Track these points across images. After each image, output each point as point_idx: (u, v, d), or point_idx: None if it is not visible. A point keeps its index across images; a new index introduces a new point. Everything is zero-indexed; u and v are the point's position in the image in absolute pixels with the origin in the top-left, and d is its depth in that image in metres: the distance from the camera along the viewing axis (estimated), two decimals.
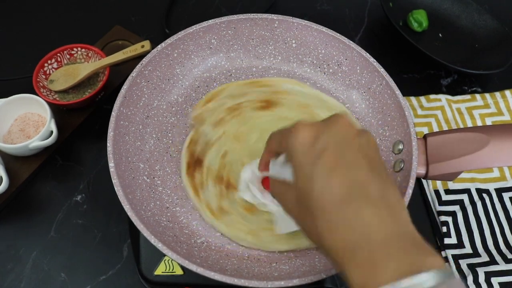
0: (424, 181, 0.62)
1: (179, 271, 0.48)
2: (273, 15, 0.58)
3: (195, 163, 0.51)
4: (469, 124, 0.66)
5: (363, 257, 0.28)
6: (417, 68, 0.74)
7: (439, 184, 0.61)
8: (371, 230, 0.29)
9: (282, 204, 0.37)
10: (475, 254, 0.56)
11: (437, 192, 0.60)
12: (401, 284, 0.26)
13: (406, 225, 0.30)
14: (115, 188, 0.44)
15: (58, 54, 0.64)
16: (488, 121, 0.67)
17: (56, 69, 0.65)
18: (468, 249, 0.56)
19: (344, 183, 0.30)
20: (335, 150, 0.32)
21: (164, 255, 0.47)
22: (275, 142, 0.39)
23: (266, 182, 0.46)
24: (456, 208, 0.59)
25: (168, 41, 0.55)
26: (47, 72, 0.64)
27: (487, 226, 0.58)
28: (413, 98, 0.69)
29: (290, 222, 0.38)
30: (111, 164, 0.45)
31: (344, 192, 0.30)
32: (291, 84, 0.58)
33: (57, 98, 0.63)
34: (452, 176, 0.47)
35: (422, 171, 0.47)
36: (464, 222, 0.58)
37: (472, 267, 0.54)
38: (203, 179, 0.50)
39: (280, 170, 0.39)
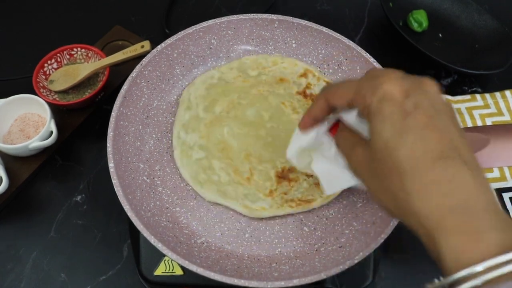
0: None
1: (179, 271, 0.48)
2: (273, 15, 0.58)
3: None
4: (469, 124, 0.66)
5: (460, 223, 0.25)
6: (417, 68, 0.74)
7: None
8: (471, 195, 0.26)
9: (349, 159, 0.34)
10: None
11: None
12: (506, 257, 0.23)
13: (492, 194, 0.27)
14: (115, 188, 0.44)
15: (58, 54, 0.64)
16: (488, 121, 0.67)
17: (56, 69, 0.65)
18: None
19: (439, 142, 0.28)
20: (429, 108, 0.29)
21: (164, 255, 0.47)
22: (344, 95, 0.33)
23: (333, 131, 0.39)
24: None
25: (168, 41, 0.55)
26: (47, 72, 0.64)
27: None
28: None
29: (337, 181, 0.37)
30: (111, 164, 0.45)
31: (441, 150, 0.27)
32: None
33: (57, 98, 0.63)
34: None
35: None
36: None
37: None
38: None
39: (354, 120, 0.35)
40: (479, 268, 0.24)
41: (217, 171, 0.50)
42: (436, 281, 0.26)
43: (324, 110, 0.36)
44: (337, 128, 0.38)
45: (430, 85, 0.31)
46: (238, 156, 0.51)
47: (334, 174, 0.40)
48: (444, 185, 0.27)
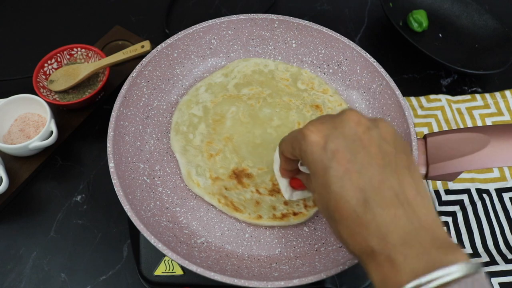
0: (424, 181, 0.62)
1: (179, 271, 0.48)
2: (273, 15, 0.58)
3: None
4: (469, 124, 0.66)
5: (381, 259, 0.29)
6: (417, 68, 0.74)
7: (439, 184, 0.61)
8: (387, 231, 0.29)
9: (315, 202, 0.38)
10: (475, 254, 0.56)
11: (437, 192, 0.60)
12: (420, 281, 0.26)
13: (425, 220, 0.29)
14: (115, 188, 0.44)
15: (58, 54, 0.64)
16: (488, 121, 0.67)
17: (56, 69, 0.65)
18: (468, 249, 0.56)
19: (358, 188, 0.30)
20: (346, 152, 0.31)
21: (164, 256, 0.47)
22: (288, 149, 0.37)
23: (294, 183, 0.44)
24: (456, 208, 0.59)
25: (168, 41, 0.55)
26: (47, 72, 0.64)
27: (487, 226, 0.58)
28: (413, 98, 0.69)
29: None
30: (111, 164, 0.45)
31: (358, 197, 0.30)
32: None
33: (57, 98, 0.63)
34: (452, 176, 0.47)
35: (422, 171, 0.47)
36: (464, 222, 0.58)
37: None
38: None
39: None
40: None
41: (196, 132, 0.52)
42: None
43: (289, 162, 0.40)
44: (295, 183, 0.43)
45: (348, 121, 0.32)
46: (221, 133, 0.53)
47: None
48: (365, 227, 0.30)
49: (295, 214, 0.48)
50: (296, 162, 0.40)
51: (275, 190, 0.49)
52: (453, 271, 0.26)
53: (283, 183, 0.44)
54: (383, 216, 0.29)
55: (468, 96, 0.69)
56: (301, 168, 0.41)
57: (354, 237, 0.30)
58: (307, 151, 0.33)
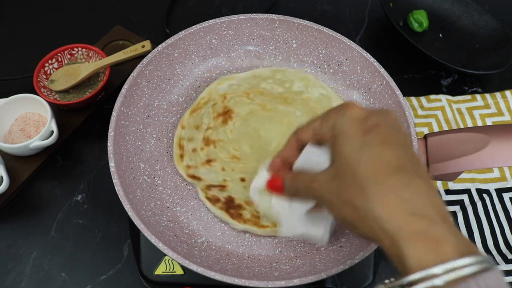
0: None
1: (179, 271, 0.48)
2: (273, 15, 0.58)
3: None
4: (470, 124, 0.66)
5: (424, 229, 0.27)
6: (418, 68, 0.74)
7: (439, 184, 0.61)
8: (427, 202, 0.28)
9: (310, 190, 0.35)
10: None
11: (437, 192, 0.60)
12: (463, 262, 0.25)
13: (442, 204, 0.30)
14: (116, 188, 0.44)
15: (59, 54, 0.64)
16: (489, 121, 0.67)
17: (56, 69, 0.65)
18: None
19: (397, 155, 0.30)
20: (387, 128, 0.32)
21: (165, 255, 0.47)
22: (309, 130, 0.36)
23: (273, 182, 0.39)
24: (456, 208, 0.59)
25: (169, 41, 0.55)
26: (48, 72, 0.64)
27: (487, 226, 0.58)
28: (413, 98, 0.69)
29: (295, 225, 0.38)
30: (111, 164, 0.45)
31: (397, 162, 0.30)
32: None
33: (58, 98, 0.63)
34: (453, 176, 0.47)
35: None
36: (465, 222, 0.58)
37: None
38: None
39: (307, 161, 0.37)
40: (437, 270, 0.25)
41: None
42: (390, 280, 0.28)
43: (293, 150, 0.38)
44: (273, 182, 0.38)
45: (388, 112, 0.34)
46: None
47: (294, 216, 0.40)
48: (402, 192, 0.28)
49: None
50: (298, 153, 0.38)
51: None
52: (484, 260, 0.26)
53: (259, 179, 0.42)
54: (422, 186, 0.29)
55: (468, 96, 0.69)
56: (298, 165, 0.38)
57: (388, 199, 0.28)
58: (347, 117, 0.33)
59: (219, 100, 0.55)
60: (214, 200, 0.48)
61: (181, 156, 0.51)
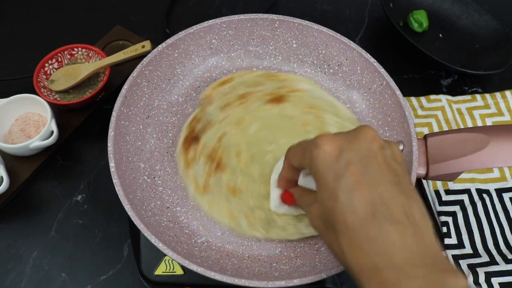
0: (424, 181, 0.62)
1: (179, 271, 0.48)
2: (273, 15, 0.58)
3: (193, 139, 0.52)
4: (470, 125, 0.67)
5: (385, 277, 0.28)
6: (418, 69, 0.74)
7: (439, 185, 0.61)
8: (394, 250, 0.28)
9: (308, 216, 0.37)
10: (475, 254, 0.56)
11: (437, 192, 0.60)
12: None
13: (430, 243, 0.29)
14: (116, 188, 0.44)
15: (59, 54, 0.64)
16: (489, 122, 0.67)
17: (56, 69, 0.65)
18: (468, 250, 0.56)
19: (368, 201, 0.30)
20: (359, 165, 0.31)
21: (165, 255, 0.47)
22: (296, 157, 0.37)
23: (286, 196, 0.44)
24: (456, 208, 0.59)
25: (169, 41, 0.55)
26: (48, 72, 0.64)
27: (487, 227, 0.58)
28: (413, 99, 0.69)
29: None
30: (111, 164, 0.45)
31: (367, 211, 0.29)
32: (307, 83, 0.58)
33: (58, 98, 0.63)
34: (453, 177, 0.47)
35: (422, 171, 0.47)
36: (464, 223, 0.58)
37: (472, 268, 0.54)
38: (196, 155, 0.51)
39: (306, 181, 0.39)
40: None
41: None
42: None
43: (292, 171, 0.40)
44: (286, 197, 0.44)
45: (364, 137, 0.33)
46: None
47: None
48: (371, 242, 0.29)
49: None
50: (298, 173, 0.40)
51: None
52: None
53: (275, 193, 0.45)
54: (391, 232, 0.29)
55: (468, 96, 0.69)
56: (301, 182, 0.41)
57: (356, 251, 0.29)
58: (319, 159, 0.32)
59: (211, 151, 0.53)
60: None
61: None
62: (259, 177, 0.49)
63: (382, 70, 0.54)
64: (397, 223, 0.29)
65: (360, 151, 0.32)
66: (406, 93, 0.68)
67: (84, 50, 0.65)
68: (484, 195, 0.60)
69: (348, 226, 0.30)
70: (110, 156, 0.46)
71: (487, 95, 0.69)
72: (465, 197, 0.60)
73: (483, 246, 0.57)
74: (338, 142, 0.32)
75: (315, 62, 0.59)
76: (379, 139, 0.33)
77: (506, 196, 0.60)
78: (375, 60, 0.54)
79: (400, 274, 0.27)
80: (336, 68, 0.58)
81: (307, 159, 0.34)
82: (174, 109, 0.56)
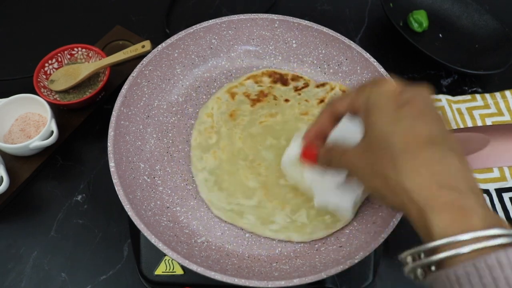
0: None
1: (179, 271, 0.48)
2: (273, 15, 0.58)
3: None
4: (469, 124, 0.66)
5: (452, 200, 0.27)
6: (417, 68, 0.74)
7: None
8: (458, 175, 0.28)
9: (342, 161, 0.36)
10: None
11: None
12: (491, 232, 0.25)
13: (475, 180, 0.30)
14: (116, 188, 0.44)
15: (59, 54, 0.64)
16: (488, 122, 0.67)
17: (56, 69, 0.65)
18: None
19: (430, 129, 0.30)
20: (420, 103, 0.32)
21: (165, 255, 0.47)
22: (346, 100, 0.37)
23: (307, 152, 0.41)
24: None
25: (169, 41, 0.55)
26: (48, 72, 0.64)
27: None
28: None
29: (328, 196, 0.40)
30: (111, 164, 0.46)
31: (430, 136, 0.30)
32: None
33: (58, 98, 0.63)
34: None
35: None
36: None
37: None
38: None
39: (346, 127, 0.39)
40: (464, 237, 0.25)
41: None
42: (415, 248, 0.28)
43: (328, 121, 0.39)
44: (307, 152, 0.40)
45: (423, 88, 0.34)
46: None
47: (326, 188, 0.43)
48: (433, 165, 0.29)
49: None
50: (334, 124, 0.39)
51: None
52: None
53: (292, 149, 0.44)
54: (454, 159, 0.29)
55: (468, 96, 0.69)
56: (336, 135, 0.39)
57: (419, 171, 0.29)
58: (381, 93, 0.33)
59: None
60: None
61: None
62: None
63: (382, 70, 0.54)
64: (457, 154, 0.30)
65: (420, 95, 0.33)
66: None
67: (84, 50, 0.65)
68: (484, 195, 0.60)
69: (410, 147, 0.30)
70: (110, 156, 0.46)
71: (487, 95, 0.69)
72: None
73: None
74: (397, 84, 0.33)
75: (315, 62, 0.59)
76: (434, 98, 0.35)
77: (506, 196, 0.60)
78: (375, 60, 0.54)
79: (467, 199, 0.27)
80: (336, 68, 0.58)
81: (364, 96, 0.34)
82: (174, 109, 0.56)
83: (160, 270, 0.48)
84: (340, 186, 0.42)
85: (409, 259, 0.29)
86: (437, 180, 0.28)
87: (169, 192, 0.50)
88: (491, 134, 0.45)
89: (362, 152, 0.34)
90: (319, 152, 0.39)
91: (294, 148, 0.45)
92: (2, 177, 0.55)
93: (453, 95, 0.70)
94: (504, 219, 0.29)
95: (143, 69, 0.53)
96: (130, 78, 0.51)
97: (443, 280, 0.25)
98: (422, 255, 0.28)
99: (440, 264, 0.26)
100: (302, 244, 0.48)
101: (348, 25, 0.79)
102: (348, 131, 0.39)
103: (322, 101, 0.56)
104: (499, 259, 0.24)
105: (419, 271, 0.28)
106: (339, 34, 0.56)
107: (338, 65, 0.58)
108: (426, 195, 0.28)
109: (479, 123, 0.67)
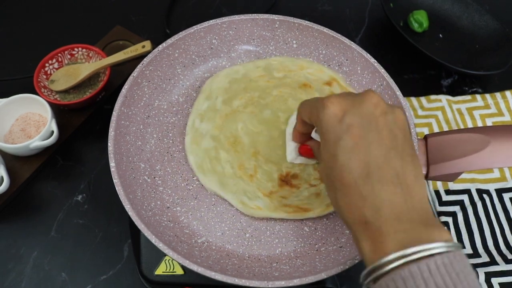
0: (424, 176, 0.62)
1: (179, 271, 0.48)
2: (274, 15, 0.58)
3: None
4: (470, 125, 0.67)
5: (374, 229, 0.31)
6: (418, 69, 0.74)
7: (439, 185, 0.61)
8: (383, 206, 0.31)
9: (320, 171, 0.39)
10: (476, 254, 0.56)
11: (437, 192, 0.60)
12: (405, 252, 0.28)
13: (418, 203, 0.32)
14: (116, 188, 0.44)
15: (59, 54, 0.65)
16: (489, 122, 0.67)
17: (57, 69, 0.65)
18: (468, 250, 0.56)
19: (363, 163, 0.32)
20: (359, 128, 0.33)
21: (165, 255, 0.47)
22: (306, 114, 0.39)
23: (304, 148, 0.46)
24: (457, 208, 0.59)
25: (169, 41, 0.55)
26: (48, 72, 0.64)
27: (487, 227, 0.58)
28: (413, 99, 0.69)
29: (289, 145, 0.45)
30: (112, 164, 0.46)
31: (362, 171, 0.32)
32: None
33: (58, 98, 0.63)
34: (453, 177, 0.47)
35: (422, 171, 0.47)
36: (465, 223, 0.58)
37: (473, 268, 0.54)
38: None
39: (317, 136, 0.42)
40: (382, 261, 0.29)
41: (222, 163, 0.50)
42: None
43: (305, 125, 0.42)
44: (304, 148, 0.46)
45: (368, 101, 0.34)
46: (246, 152, 0.51)
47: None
48: (363, 199, 0.32)
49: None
50: (311, 127, 0.42)
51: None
52: (437, 247, 0.28)
53: (291, 146, 0.47)
54: (381, 191, 0.31)
55: (468, 97, 0.69)
56: (313, 135, 0.43)
57: (350, 206, 0.33)
58: (324, 120, 0.35)
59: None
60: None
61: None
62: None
63: (382, 70, 0.54)
64: (388, 183, 0.32)
65: (362, 115, 0.34)
66: (406, 93, 0.68)
67: (84, 50, 0.65)
68: (484, 195, 0.60)
69: (344, 184, 0.33)
70: (111, 156, 0.46)
71: (487, 95, 0.69)
72: (465, 197, 0.60)
73: (483, 246, 0.57)
74: (343, 104, 0.34)
75: (316, 62, 0.59)
76: (383, 104, 0.35)
77: (506, 196, 0.60)
78: (375, 61, 0.54)
79: (387, 227, 0.30)
80: (337, 68, 0.58)
81: (314, 117, 0.37)
82: (174, 109, 0.56)
83: (161, 270, 0.48)
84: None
85: (361, 277, 0.32)
86: (362, 214, 0.32)
87: (170, 192, 0.50)
88: (491, 134, 0.45)
89: (322, 170, 0.37)
90: (312, 148, 0.44)
91: (291, 147, 0.48)
92: (2, 177, 0.55)
93: (453, 95, 0.70)
94: (442, 225, 0.31)
95: (143, 69, 0.52)
96: (130, 78, 0.51)
97: None
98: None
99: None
100: (302, 245, 0.48)
101: (348, 25, 0.79)
102: None
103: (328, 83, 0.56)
104: (411, 270, 0.28)
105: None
106: (339, 35, 0.56)
107: (339, 65, 0.58)
108: (356, 229, 0.33)
109: (480, 124, 0.67)
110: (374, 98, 0.34)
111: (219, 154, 0.51)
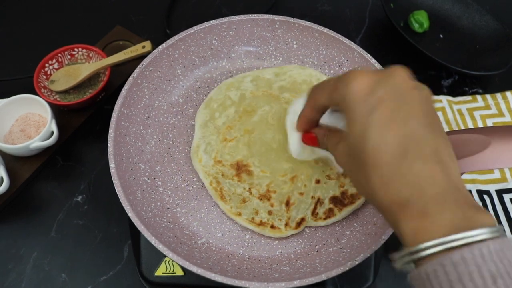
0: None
1: (179, 272, 0.48)
2: (274, 15, 0.58)
3: None
4: (470, 125, 0.66)
5: (417, 209, 0.29)
6: (418, 69, 0.74)
7: None
8: (425, 184, 0.29)
9: (335, 156, 0.36)
10: None
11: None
12: (456, 236, 0.26)
13: (457, 182, 0.30)
14: (116, 189, 0.44)
15: (59, 55, 0.64)
16: (489, 122, 0.67)
17: (57, 69, 0.65)
18: None
19: (399, 137, 0.30)
20: (392, 102, 0.31)
21: (165, 256, 0.47)
22: (324, 93, 0.36)
23: (308, 137, 0.42)
24: None
25: (169, 41, 0.55)
26: (48, 72, 0.64)
27: None
28: None
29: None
30: (111, 165, 0.45)
31: (399, 147, 0.30)
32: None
33: (58, 99, 0.63)
34: None
35: None
36: None
37: None
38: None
39: (332, 119, 0.39)
40: (426, 245, 0.27)
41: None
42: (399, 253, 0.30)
43: (315, 110, 0.39)
44: (307, 136, 0.42)
45: (398, 75, 0.32)
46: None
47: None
48: (402, 177, 0.29)
49: (272, 227, 0.47)
50: (321, 112, 0.39)
51: (266, 197, 0.49)
52: (487, 232, 0.26)
53: (293, 137, 0.44)
54: (422, 169, 0.29)
55: (469, 97, 0.69)
56: (325, 120, 0.39)
57: (387, 186, 0.30)
58: (350, 94, 0.32)
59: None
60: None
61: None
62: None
63: None
64: (427, 160, 0.29)
65: (393, 88, 0.31)
66: None
67: (84, 50, 0.65)
68: (485, 196, 0.60)
69: (378, 163, 0.30)
70: (110, 157, 0.46)
71: (488, 96, 0.69)
72: None
73: None
74: (370, 78, 0.32)
75: (316, 63, 0.59)
76: (412, 79, 0.33)
77: (506, 197, 0.60)
78: (375, 61, 0.54)
79: (431, 207, 0.28)
80: (337, 68, 0.58)
81: (338, 94, 0.34)
82: (174, 110, 0.56)
83: (160, 271, 0.48)
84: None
85: (396, 257, 0.30)
86: (404, 193, 0.29)
87: (170, 193, 0.50)
88: (492, 135, 0.45)
89: (345, 155, 0.34)
90: (317, 136, 0.40)
91: (293, 137, 0.44)
92: (2, 177, 0.55)
93: (454, 95, 0.70)
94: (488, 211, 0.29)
95: (143, 69, 0.52)
96: (130, 78, 0.51)
97: (417, 277, 0.28)
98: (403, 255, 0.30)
99: (417, 262, 0.28)
100: (302, 246, 0.48)
101: (348, 26, 0.79)
102: (337, 118, 0.38)
103: None
104: (463, 255, 0.26)
105: (408, 266, 0.29)
106: (339, 35, 0.56)
107: (339, 66, 0.58)
108: (395, 209, 0.30)
109: (480, 124, 0.67)
110: (403, 72, 0.32)
111: (230, 108, 0.54)
